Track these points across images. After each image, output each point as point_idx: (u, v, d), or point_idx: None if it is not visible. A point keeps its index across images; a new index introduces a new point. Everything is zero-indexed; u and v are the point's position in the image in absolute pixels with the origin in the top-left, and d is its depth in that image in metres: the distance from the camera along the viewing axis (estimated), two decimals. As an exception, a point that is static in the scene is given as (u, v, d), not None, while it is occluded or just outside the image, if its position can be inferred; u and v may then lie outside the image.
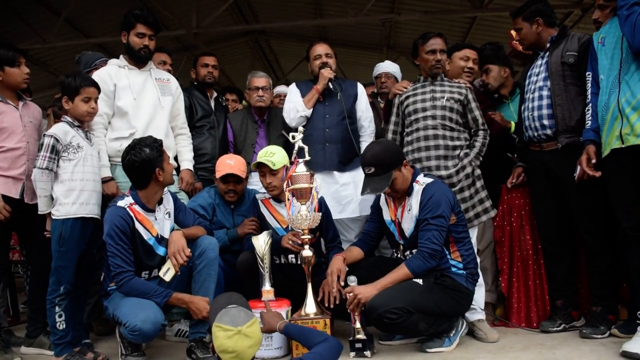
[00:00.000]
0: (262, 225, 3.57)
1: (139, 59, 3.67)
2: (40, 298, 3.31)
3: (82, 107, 3.19)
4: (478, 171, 3.45)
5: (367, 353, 2.94)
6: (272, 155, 3.40)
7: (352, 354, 2.95)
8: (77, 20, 9.05)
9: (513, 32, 4.15)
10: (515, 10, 3.56)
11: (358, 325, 2.97)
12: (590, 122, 3.12)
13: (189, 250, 3.03)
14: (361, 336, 2.96)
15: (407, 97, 3.65)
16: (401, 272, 2.98)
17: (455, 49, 4.09)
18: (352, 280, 3.02)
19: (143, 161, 3.00)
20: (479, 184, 3.44)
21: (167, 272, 3.01)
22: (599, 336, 3.12)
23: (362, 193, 3.21)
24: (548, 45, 3.45)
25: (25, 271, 4.48)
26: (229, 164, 3.65)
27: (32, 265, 3.73)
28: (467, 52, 4.00)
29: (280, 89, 5.32)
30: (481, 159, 3.49)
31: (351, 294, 2.94)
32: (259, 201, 3.62)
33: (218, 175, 3.66)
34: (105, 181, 3.39)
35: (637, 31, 2.75)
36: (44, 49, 9.04)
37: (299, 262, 3.26)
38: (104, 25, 8.89)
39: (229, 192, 3.68)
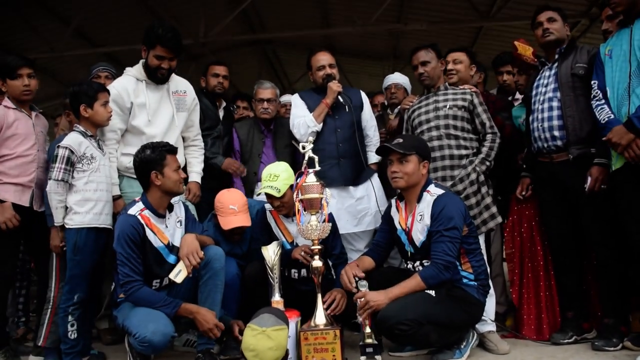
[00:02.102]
0: (268, 236, 3.52)
1: (153, 79, 3.54)
2: None
3: (103, 112, 3.25)
4: (482, 177, 3.40)
5: (378, 358, 2.94)
6: (275, 179, 3.34)
7: (363, 358, 2.95)
8: (86, 30, 9.10)
9: (517, 43, 4.14)
10: (548, 5, 3.49)
11: (368, 330, 2.96)
12: (611, 115, 3.00)
13: (202, 252, 3.03)
14: (372, 341, 2.95)
15: (414, 111, 3.66)
16: (414, 282, 2.96)
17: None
18: (363, 285, 3.00)
19: (141, 162, 3.03)
20: (483, 189, 3.39)
21: (179, 274, 2.98)
22: (612, 349, 3.08)
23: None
24: (557, 56, 3.45)
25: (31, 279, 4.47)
26: (233, 210, 3.45)
27: (40, 274, 3.73)
28: (448, 57, 3.90)
29: (287, 98, 5.32)
30: (488, 163, 3.43)
31: (362, 300, 2.93)
32: (267, 211, 3.57)
33: (224, 227, 3.45)
34: (113, 200, 3.37)
35: None
36: (52, 58, 9.09)
37: (302, 275, 3.34)
38: (113, 35, 8.95)
39: (235, 236, 3.57)
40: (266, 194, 3.37)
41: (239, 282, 3.40)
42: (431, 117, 3.53)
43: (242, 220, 3.46)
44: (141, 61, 3.59)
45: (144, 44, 3.53)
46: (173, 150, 3.13)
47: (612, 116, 3.00)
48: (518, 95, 4.52)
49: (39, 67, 9.10)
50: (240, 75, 11.71)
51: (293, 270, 3.48)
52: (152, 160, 3.01)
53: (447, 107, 3.51)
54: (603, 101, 3.07)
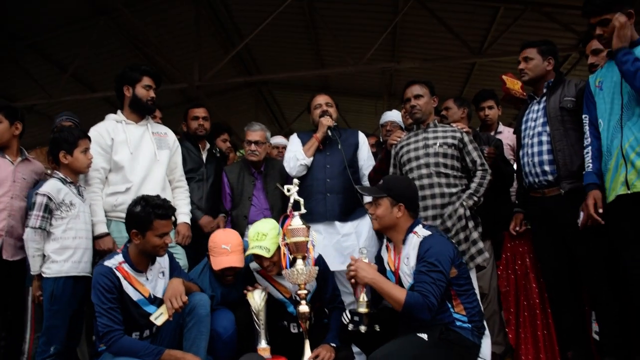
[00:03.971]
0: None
1: (145, 110, 3.71)
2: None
3: (83, 159, 3.24)
4: (469, 212, 3.33)
5: (362, 328, 2.90)
6: (264, 238, 3.19)
7: (351, 326, 2.93)
8: (82, 75, 9.24)
9: (505, 77, 4.15)
10: (532, 41, 3.53)
11: (361, 298, 2.94)
12: (591, 164, 3.05)
13: (187, 298, 2.96)
14: (362, 309, 2.94)
15: (402, 147, 3.63)
16: (397, 291, 2.85)
17: None
18: (364, 252, 3.04)
19: (128, 214, 2.97)
20: (470, 224, 3.32)
21: (160, 317, 2.92)
22: (613, 389, 2.98)
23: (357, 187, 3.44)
24: (545, 90, 3.44)
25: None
26: (225, 250, 3.30)
27: (11, 325, 3.58)
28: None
29: (279, 140, 5.31)
30: (476, 199, 3.36)
31: (353, 265, 2.95)
32: (255, 273, 3.43)
33: (215, 267, 3.30)
34: (100, 237, 3.34)
35: None
36: (50, 104, 9.19)
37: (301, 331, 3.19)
38: (109, 80, 9.04)
39: (228, 277, 3.40)
40: (254, 254, 3.25)
41: (237, 339, 3.27)
42: (421, 155, 3.49)
43: (234, 260, 3.29)
44: (119, 111, 3.73)
45: (126, 83, 3.69)
46: (167, 215, 2.98)
47: (591, 166, 3.03)
48: (501, 128, 4.53)
49: (38, 113, 9.24)
50: (237, 117, 11.82)
51: (292, 324, 3.37)
52: (137, 218, 2.92)
53: (438, 145, 3.47)
54: (589, 140, 3.07)
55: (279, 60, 9.95)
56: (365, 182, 4.05)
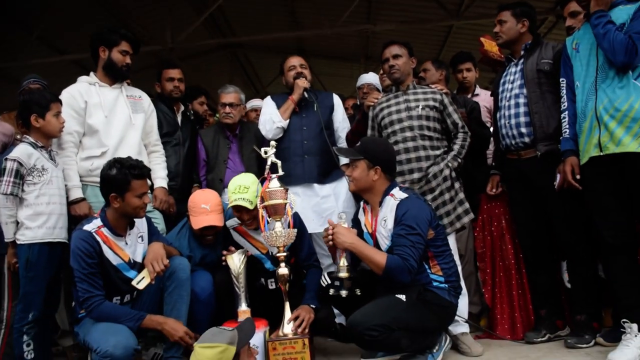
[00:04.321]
0: None
1: (118, 76, 3.62)
2: None
3: (55, 122, 3.16)
4: (454, 173, 3.37)
5: (343, 292, 2.93)
6: (246, 191, 3.17)
7: (332, 290, 2.96)
8: (51, 38, 8.93)
9: (483, 39, 4.13)
10: (507, 4, 3.50)
11: (341, 263, 2.97)
12: (567, 130, 3.08)
13: (168, 261, 2.94)
14: (342, 274, 2.96)
15: (382, 109, 3.59)
16: (378, 255, 2.88)
17: None
18: (342, 217, 3.03)
19: (103, 179, 2.90)
20: (457, 185, 3.37)
21: (142, 281, 2.90)
22: (584, 345, 3.07)
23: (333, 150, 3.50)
24: (522, 52, 3.43)
25: None
26: (205, 209, 3.28)
27: None
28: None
29: (257, 103, 5.25)
30: (460, 160, 3.41)
31: (332, 229, 2.96)
32: (231, 230, 3.42)
33: (195, 226, 3.29)
34: (76, 202, 3.29)
35: (616, 49, 2.76)
36: (16, 67, 8.90)
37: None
38: (78, 42, 8.77)
39: (207, 236, 3.38)
40: (235, 207, 3.21)
41: (215, 301, 3.27)
42: (403, 117, 3.47)
43: (213, 219, 3.28)
44: (92, 73, 3.65)
45: (103, 44, 3.60)
46: (143, 174, 2.94)
47: (568, 132, 3.06)
48: (478, 90, 4.54)
49: (4, 77, 8.92)
50: (211, 80, 11.60)
51: (270, 280, 3.38)
52: (114, 181, 2.86)
53: (420, 107, 3.46)
54: (566, 104, 3.09)
55: (254, 22, 9.75)
56: (342, 144, 4.04)
